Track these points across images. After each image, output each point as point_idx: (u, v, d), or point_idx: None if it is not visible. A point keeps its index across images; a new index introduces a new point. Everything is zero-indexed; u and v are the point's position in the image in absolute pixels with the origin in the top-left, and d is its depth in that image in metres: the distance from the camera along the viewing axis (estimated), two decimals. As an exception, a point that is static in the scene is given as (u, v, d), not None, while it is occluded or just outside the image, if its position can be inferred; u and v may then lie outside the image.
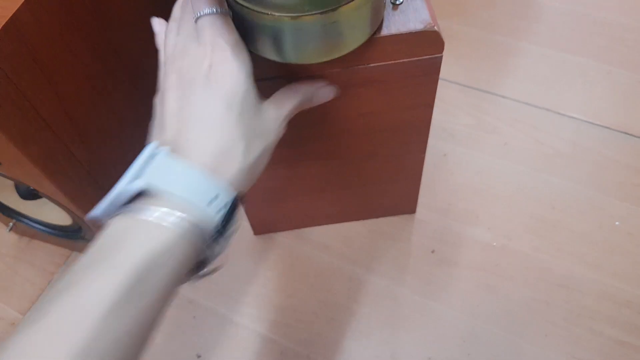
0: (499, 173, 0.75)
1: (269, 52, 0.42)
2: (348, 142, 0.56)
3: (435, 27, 0.44)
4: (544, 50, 0.87)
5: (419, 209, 0.72)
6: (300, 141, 0.54)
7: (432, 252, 0.69)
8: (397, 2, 0.45)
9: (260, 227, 0.71)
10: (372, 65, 0.46)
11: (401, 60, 0.46)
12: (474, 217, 0.72)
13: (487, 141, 0.78)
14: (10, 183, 0.62)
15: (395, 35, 0.44)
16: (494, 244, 0.69)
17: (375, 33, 0.44)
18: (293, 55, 0.42)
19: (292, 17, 0.38)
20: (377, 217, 0.72)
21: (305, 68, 0.45)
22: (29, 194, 0.61)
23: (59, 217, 0.64)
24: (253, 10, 0.38)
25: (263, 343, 0.65)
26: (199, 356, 0.65)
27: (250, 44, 0.42)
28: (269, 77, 0.45)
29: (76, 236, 0.66)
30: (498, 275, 0.67)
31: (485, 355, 0.62)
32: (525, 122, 0.79)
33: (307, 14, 0.38)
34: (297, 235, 0.72)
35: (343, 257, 0.70)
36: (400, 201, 0.69)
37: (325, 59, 0.43)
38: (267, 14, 0.38)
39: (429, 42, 0.45)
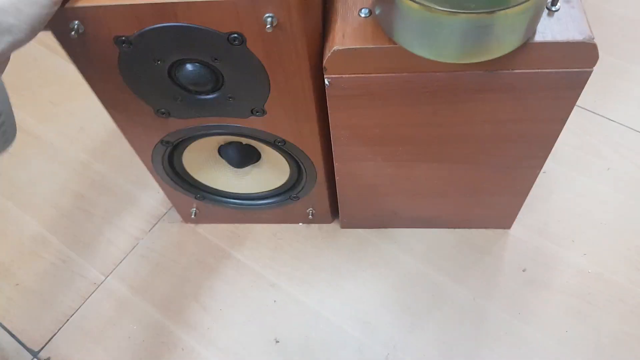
0: (599, 198, 0.72)
1: (417, 47, 0.41)
2: (468, 148, 0.54)
3: (594, 40, 0.42)
4: (657, 76, 0.82)
5: (513, 224, 0.69)
6: (418, 139, 0.53)
7: (523, 270, 0.67)
8: (554, 9, 0.43)
9: (349, 222, 0.71)
10: (517, 71, 0.44)
11: (548, 70, 0.44)
12: (569, 241, 0.69)
13: (589, 164, 0.75)
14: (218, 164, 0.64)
15: (550, 43, 0.42)
16: (589, 270, 0.66)
17: (527, 40, 0.42)
18: (444, 52, 0.41)
19: (448, 13, 0.37)
20: (469, 227, 0.70)
21: (443, 66, 0.44)
22: (246, 159, 0.62)
23: (268, 181, 0.65)
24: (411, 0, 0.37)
25: (341, 337, 0.64)
26: (277, 341, 0.64)
27: (399, 35, 0.41)
28: (403, 71, 0.44)
29: (286, 198, 0.66)
30: (590, 304, 0.64)
31: (573, 386, 0.59)
32: (631, 148, 0.76)
33: (469, 11, 0.37)
34: (383, 234, 0.71)
35: (429, 263, 0.68)
36: (498, 215, 0.67)
37: (472, 61, 0.42)
38: (427, 6, 0.37)
39: (583, 55, 0.43)
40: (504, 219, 0.68)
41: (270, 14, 0.40)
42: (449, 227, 0.70)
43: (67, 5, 0.40)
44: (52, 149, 0.83)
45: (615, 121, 0.78)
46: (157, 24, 0.42)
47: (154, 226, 0.74)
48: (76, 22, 0.41)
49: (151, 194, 0.77)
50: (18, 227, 0.76)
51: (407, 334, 0.63)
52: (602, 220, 0.70)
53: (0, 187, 0.80)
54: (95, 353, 0.65)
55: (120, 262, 0.72)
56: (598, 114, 0.79)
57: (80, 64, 0.46)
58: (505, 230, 0.70)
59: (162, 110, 0.51)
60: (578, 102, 0.79)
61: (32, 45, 0.91)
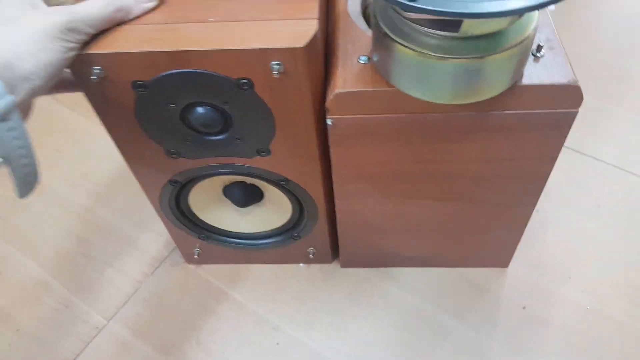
0: (592, 235, 0.74)
1: (412, 89, 0.44)
2: (463, 185, 0.56)
3: (578, 83, 0.45)
4: (638, 118, 0.86)
5: (510, 263, 0.71)
6: (415, 176, 0.55)
7: (523, 308, 0.68)
8: (539, 55, 0.47)
9: (349, 261, 0.72)
10: (506, 112, 0.47)
11: (536, 111, 0.47)
12: (566, 277, 0.70)
13: (579, 201, 0.77)
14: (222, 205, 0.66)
15: (537, 86, 0.45)
16: (588, 307, 0.68)
17: (515, 83, 0.45)
18: (438, 94, 0.44)
19: (440, 58, 0.40)
20: (467, 266, 0.72)
21: (437, 107, 0.46)
22: (250, 199, 0.64)
23: (270, 221, 0.67)
24: (401, 44, 0.40)
25: (345, 378, 0.64)
26: (280, 383, 0.64)
27: (395, 79, 0.44)
28: (400, 112, 0.47)
29: (287, 238, 0.68)
30: (591, 339, 0.65)
31: (578, 422, 0.59)
32: (619, 186, 0.79)
33: (461, 57, 0.40)
34: (383, 274, 0.72)
35: (430, 302, 0.69)
36: (495, 253, 0.69)
37: (464, 102, 0.45)
38: (417, 51, 0.40)
39: (568, 97, 0.46)
40: (501, 257, 0.70)
41: (278, 62, 0.43)
42: (447, 266, 0.72)
43: (90, 51, 0.43)
44: (55, 194, 0.85)
45: (602, 160, 0.82)
46: (172, 70, 0.44)
47: (156, 269, 0.75)
48: (98, 67, 0.44)
49: (153, 237, 0.78)
50: (20, 272, 0.76)
51: (410, 373, 0.64)
52: (596, 256, 0.72)
53: (1, 231, 0.81)
54: (97, 398, 0.65)
55: (123, 306, 0.72)
56: (585, 154, 0.82)
57: (98, 106, 0.49)
58: (503, 268, 0.72)
59: (173, 150, 0.54)
60: (566, 143, 0.83)
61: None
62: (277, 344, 0.67)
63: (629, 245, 0.72)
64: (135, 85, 0.46)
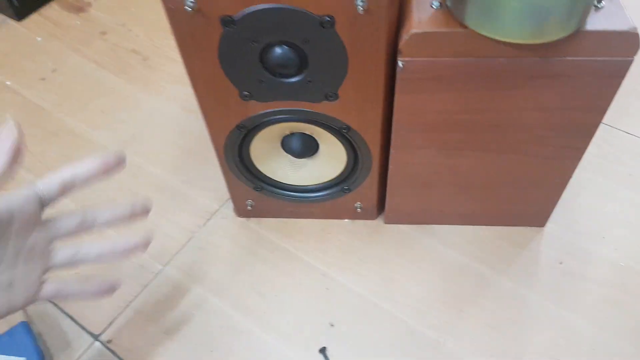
0: (624, 200, 0.77)
1: (486, 28, 0.47)
2: (515, 136, 0.60)
3: (637, 30, 0.49)
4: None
5: (547, 223, 0.74)
6: (471, 126, 0.59)
7: (560, 263, 0.71)
8: (600, 6, 0.50)
9: (394, 217, 0.75)
10: (567, 58, 0.51)
11: (595, 58, 0.51)
12: (600, 237, 0.74)
13: (612, 170, 0.81)
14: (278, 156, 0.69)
15: (598, 32, 0.49)
16: (621, 264, 0.71)
17: (578, 28, 0.49)
18: (506, 31, 0.47)
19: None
20: (505, 225, 0.75)
21: (505, 51, 0.50)
22: (307, 150, 0.68)
23: (323, 173, 0.71)
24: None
25: (393, 322, 0.67)
26: (332, 325, 0.67)
27: (470, 18, 0.47)
28: (469, 55, 0.50)
29: (338, 190, 0.71)
30: (626, 294, 0.68)
31: (615, 365, 0.63)
32: (650, 157, 0.82)
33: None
34: (425, 230, 0.75)
35: (471, 256, 0.73)
36: (534, 211, 0.72)
37: (533, 41, 0.48)
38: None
39: (627, 44, 0.50)
40: (539, 216, 0.74)
41: (363, -1, 0.46)
42: (487, 225, 0.75)
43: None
44: (105, 152, 0.88)
45: (632, 134, 0.85)
46: (261, 5, 0.48)
47: (207, 221, 0.78)
48: (192, -1, 0.47)
49: (204, 193, 0.82)
50: (75, 222, 0.79)
51: (456, 319, 0.67)
52: (628, 219, 0.75)
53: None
54: (157, 336, 0.68)
55: (177, 253, 0.75)
56: (617, 128, 0.86)
57: (182, 41, 0.52)
58: (540, 228, 0.75)
59: (246, 92, 0.57)
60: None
61: (81, 60, 0.98)
62: (327, 288, 0.70)
63: (660, 210, 0.76)
64: (224, 20, 0.49)
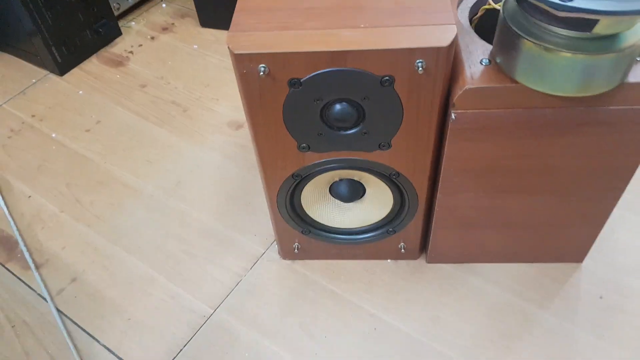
0: (657, 235, 0.80)
1: (537, 83, 0.51)
2: (558, 178, 0.63)
3: (677, 83, 0.52)
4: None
5: (585, 259, 0.77)
6: (516, 171, 0.62)
7: (600, 297, 0.74)
8: None
9: (436, 256, 0.78)
10: (612, 107, 0.55)
11: (637, 107, 0.55)
12: (637, 271, 0.76)
13: (643, 206, 0.84)
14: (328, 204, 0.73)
15: None
16: (661, 297, 0.73)
17: (622, 81, 0.53)
18: (555, 86, 0.51)
19: (573, 54, 0.48)
20: (545, 261, 0.78)
21: (553, 102, 0.54)
22: (354, 195, 0.71)
23: (368, 216, 0.74)
24: (533, 42, 0.48)
25: (444, 360, 0.69)
26: (383, 365, 0.69)
27: (521, 74, 0.52)
28: (519, 107, 0.54)
29: (383, 232, 0.74)
30: (667, 327, 0.71)
31: (665, 398, 0.64)
32: (678, 192, 0.85)
33: (583, 53, 0.48)
34: (467, 269, 0.78)
35: (514, 293, 0.75)
36: (572, 248, 0.75)
37: (581, 94, 0.52)
38: (548, 48, 0.48)
39: (666, 94, 0.53)
40: (578, 253, 0.76)
41: (422, 60, 0.51)
42: (527, 262, 0.78)
43: (258, 50, 0.51)
44: (151, 200, 0.92)
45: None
46: (327, 69, 0.52)
47: (254, 264, 0.81)
48: (264, 65, 0.51)
49: (249, 237, 0.85)
50: (126, 268, 0.82)
51: (504, 356, 0.69)
52: (664, 253, 0.78)
53: (106, 233, 0.87)
54: (212, 379, 0.70)
55: (226, 297, 0.78)
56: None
57: (250, 99, 0.56)
58: (578, 263, 0.78)
59: (304, 145, 0.61)
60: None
61: (124, 113, 1.03)
62: (375, 329, 0.73)
63: (693, 243, 0.79)
64: (291, 82, 0.53)
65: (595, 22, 0.44)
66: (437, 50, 0.50)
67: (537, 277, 0.76)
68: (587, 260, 0.78)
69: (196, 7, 1.22)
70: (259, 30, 0.53)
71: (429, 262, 0.79)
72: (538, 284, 0.76)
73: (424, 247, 0.79)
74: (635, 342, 0.69)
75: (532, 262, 0.78)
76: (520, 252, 0.76)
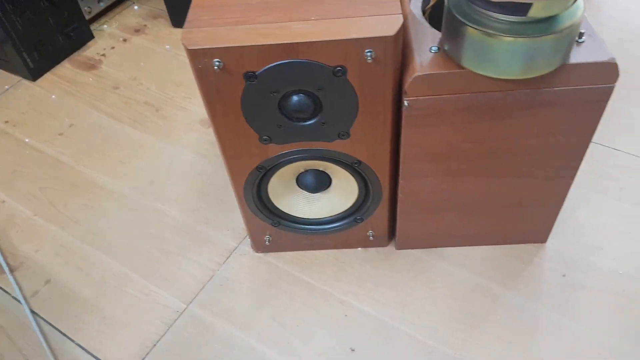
0: (618, 213, 0.83)
1: (482, 68, 0.53)
2: (513, 160, 0.65)
3: (615, 60, 0.55)
4: (649, 114, 0.97)
5: (548, 239, 0.79)
6: (471, 154, 0.64)
7: (563, 276, 0.76)
8: (581, 41, 0.57)
9: (404, 242, 0.80)
10: (556, 89, 0.57)
11: (580, 87, 0.57)
12: (598, 249, 0.79)
13: (604, 185, 0.86)
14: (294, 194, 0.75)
15: (581, 64, 0.55)
16: (620, 272, 0.76)
17: (563, 62, 0.55)
18: (500, 70, 0.53)
19: (509, 38, 0.50)
20: (509, 243, 0.80)
21: (500, 85, 0.56)
22: (320, 185, 0.73)
23: (336, 206, 0.75)
24: (476, 29, 0.50)
25: (412, 342, 0.71)
26: (352, 350, 0.71)
27: (467, 60, 0.53)
28: (468, 91, 0.56)
29: (351, 221, 0.76)
30: (627, 299, 0.73)
31: (625, 369, 0.67)
32: (638, 171, 0.88)
33: (523, 36, 0.50)
34: (435, 253, 0.80)
35: (480, 275, 0.77)
36: (536, 229, 0.77)
37: (524, 76, 0.54)
38: (490, 33, 0.49)
39: (607, 73, 0.56)
40: (541, 233, 0.78)
41: (370, 49, 0.52)
42: (492, 244, 0.80)
43: (212, 45, 0.52)
44: (126, 200, 0.93)
45: (620, 150, 0.91)
46: (281, 61, 0.54)
47: (227, 259, 0.83)
48: (218, 60, 0.53)
49: (222, 232, 0.86)
50: (99, 267, 0.83)
51: (471, 336, 0.71)
52: (623, 229, 0.80)
53: (80, 235, 0.88)
54: (187, 371, 0.71)
55: (200, 292, 0.79)
56: (605, 146, 0.92)
57: (208, 94, 0.57)
58: (542, 244, 0.80)
59: (266, 137, 0.62)
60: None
61: (97, 115, 1.04)
62: (346, 315, 0.74)
63: (652, 220, 0.81)
64: (247, 75, 0.55)
65: (529, 5, 0.46)
66: (384, 39, 0.52)
67: (502, 258, 0.79)
68: (551, 240, 0.80)
69: (167, 8, 1.23)
70: (213, 26, 0.54)
71: (397, 248, 0.81)
72: (503, 265, 0.78)
73: (392, 234, 0.81)
74: (597, 317, 0.72)
75: (497, 244, 0.80)
76: (484, 234, 0.78)
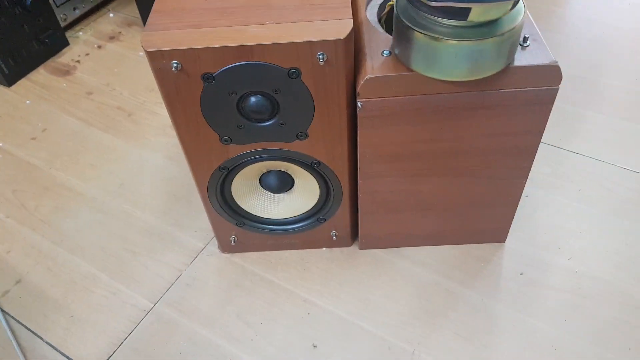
0: (576, 213, 0.86)
1: (429, 71, 0.56)
2: (466, 160, 0.68)
3: (557, 64, 0.57)
4: (607, 118, 1.00)
5: (507, 238, 0.82)
6: (427, 155, 0.67)
7: (521, 274, 0.78)
8: (525, 45, 0.59)
9: (366, 242, 0.82)
10: (502, 90, 0.59)
11: (525, 89, 0.59)
12: (556, 248, 0.81)
13: (563, 187, 0.89)
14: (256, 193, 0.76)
15: (525, 67, 0.58)
16: (576, 270, 0.78)
17: (508, 65, 0.57)
18: (446, 72, 0.55)
19: (452, 41, 0.52)
20: (469, 243, 0.82)
21: (447, 88, 0.58)
22: (283, 186, 0.74)
23: (299, 206, 0.77)
24: (421, 33, 0.52)
25: (372, 339, 0.73)
26: (314, 346, 0.73)
27: (415, 63, 0.56)
28: (417, 93, 0.59)
29: (314, 221, 0.78)
30: (582, 297, 0.75)
31: (576, 363, 0.69)
32: (595, 173, 0.91)
33: (465, 40, 0.52)
34: (397, 253, 0.82)
35: (440, 273, 0.79)
36: (493, 228, 0.80)
37: (470, 78, 0.56)
38: (434, 37, 0.52)
39: (550, 75, 0.58)
40: (499, 233, 0.81)
41: (322, 52, 0.55)
42: (452, 244, 0.82)
43: (171, 47, 0.54)
44: (95, 202, 0.94)
45: (579, 153, 0.94)
46: (236, 63, 0.56)
47: (194, 259, 0.84)
48: (176, 61, 0.55)
49: (190, 233, 0.87)
50: (69, 268, 0.84)
51: (429, 332, 0.73)
52: (580, 230, 0.83)
53: (49, 235, 0.89)
54: (151, 368, 0.72)
55: (167, 291, 0.80)
56: (564, 149, 0.95)
57: (168, 95, 0.59)
58: (501, 243, 0.82)
59: (226, 137, 0.64)
60: (547, 140, 0.95)
61: (70, 120, 1.05)
62: (308, 313, 0.76)
63: (608, 220, 0.84)
64: (204, 77, 0.57)
65: (469, 10, 0.49)
66: (335, 42, 0.54)
67: (461, 257, 0.81)
68: (510, 239, 0.82)
69: (141, 15, 1.25)
70: (171, 29, 0.56)
71: (361, 248, 0.83)
72: (462, 264, 0.80)
73: (355, 234, 0.83)
74: (553, 313, 0.74)
75: (457, 244, 0.82)
76: (444, 234, 0.81)
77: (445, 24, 0.52)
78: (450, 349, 0.71)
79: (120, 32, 1.30)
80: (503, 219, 0.78)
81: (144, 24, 1.26)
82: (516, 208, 0.76)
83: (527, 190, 0.89)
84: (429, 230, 0.80)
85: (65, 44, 1.26)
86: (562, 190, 0.89)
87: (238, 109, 0.61)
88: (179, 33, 0.56)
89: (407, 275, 0.79)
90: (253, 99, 0.60)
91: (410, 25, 0.54)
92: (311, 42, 0.54)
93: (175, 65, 0.55)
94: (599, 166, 0.92)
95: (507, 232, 0.81)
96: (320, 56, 0.55)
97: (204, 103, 0.60)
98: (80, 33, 1.31)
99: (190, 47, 0.54)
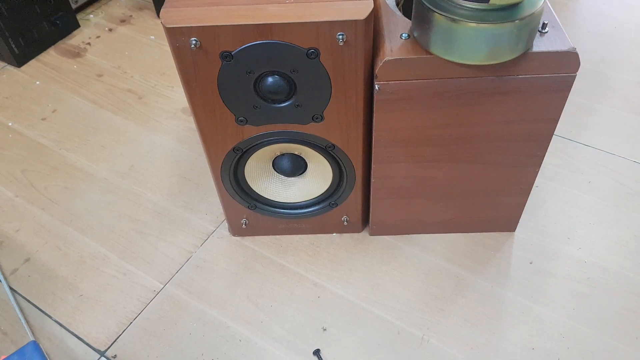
0: (585, 205, 0.86)
1: (448, 54, 0.56)
2: (481, 147, 0.68)
3: (575, 50, 0.57)
4: (618, 112, 1.00)
5: (517, 227, 0.82)
6: (441, 140, 0.67)
7: (530, 263, 0.79)
8: (544, 31, 0.59)
9: (377, 228, 0.82)
10: (519, 76, 0.59)
11: (543, 75, 0.59)
12: (565, 238, 0.81)
13: (573, 179, 0.89)
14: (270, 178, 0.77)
15: (543, 52, 0.57)
16: (585, 260, 0.79)
17: (527, 50, 0.57)
18: (465, 55, 0.55)
19: (473, 24, 0.52)
20: (480, 231, 0.82)
21: (466, 72, 0.58)
22: (296, 169, 0.74)
23: (311, 190, 0.77)
24: (442, 15, 0.52)
25: (381, 323, 0.73)
26: (324, 329, 0.73)
27: (434, 46, 0.56)
28: (435, 77, 0.59)
29: (326, 205, 0.78)
30: (590, 287, 0.76)
31: (583, 351, 0.69)
32: (605, 165, 0.91)
33: (486, 23, 0.52)
34: (407, 240, 0.82)
35: (449, 261, 0.79)
36: (504, 217, 0.80)
37: (488, 62, 0.56)
38: (455, 19, 0.52)
39: (568, 62, 0.58)
40: (510, 222, 0.81)
41: (342, 33, 0.55)
42: (463, 232, 0.82)
43: (190, 24, 0.54)
44: (106, 183, 0.94)
45: (589, 145, 0.94)
46: (256, 41, 0.56)
47: (205, 241, 0.84)
48: (195, 38, 0.55)
49: (200, 216, 0.88)
50: (78, 247, 0.85)
51: (438, 318, 0.73)
52: (589, 221, 0.83)
53: (59, 215, 0.89)
54: (160, 348, 0.72)
55: (177, 272, 0.81)
56: (575, 141, 0.95)
57: (185, 74, 0.59)
58: (511, 232, 0.82)
59: (242, 118, 0.64)
60: (558, 132, 0.95)
61: (80, 101, 1.05)
62: (318, 297, 0.76)
63: (618, 212, 0.84)
64: (223, 55, 0.57)
65: (491, -7, 0.49)
66: (355, 23, 0.54)
67: (471, 245, 0.81)
68: (520, 229, 0.83)
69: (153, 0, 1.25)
70: (190, 6, 0.56)
71: (371, 234, 0.83)
72: (472, 252, 0.80)
73: (366, 220, 0.83)
74: (560, 302, 0.74)
75: (468, 231, 0.83)
76: (455, 222, 0.81)
77: (466, 7, 0.52)
78: (459, 335, 0.71)
79: (131, 16, 1.30)
80: (514, 208, 0.78)
81: (155, 7, 1.26)
82: (528, 197, 0.76)
83: (538, 181, 0.89)
84: (440, 217, 0.80)
85: (76, 26, 1.26)
86: (573, 182, 0.89)
87: (255, 89, 0.61)
88: (198, 10, 0.56)
89: (417, 262, 0.80)
90: (270, 79, 0.60)
91: (430, 6, 0.54)
92: (331, 22, 0.54)
93: (194, 42, 0.55)
94: (609, 159, 0.92)
95: (518, 221, 0.81)
96: (340, 36, 0.55)
97: (221, 82, 0.60)
98: (91, 16, 1.31)
99: (209, 25, 0.54)
